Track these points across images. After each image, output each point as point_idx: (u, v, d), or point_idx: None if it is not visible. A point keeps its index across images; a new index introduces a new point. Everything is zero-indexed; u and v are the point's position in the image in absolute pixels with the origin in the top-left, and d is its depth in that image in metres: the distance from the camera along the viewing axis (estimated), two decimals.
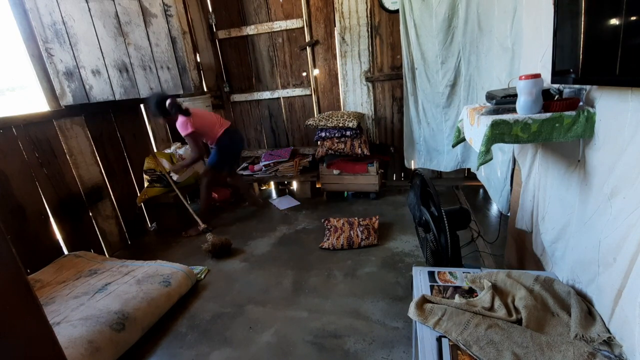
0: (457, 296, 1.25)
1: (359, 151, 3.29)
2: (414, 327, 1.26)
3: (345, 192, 3.63)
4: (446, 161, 3.40)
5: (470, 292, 1.29)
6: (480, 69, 2.70)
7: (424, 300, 1.24)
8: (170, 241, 3.06)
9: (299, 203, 3.61)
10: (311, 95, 3.79)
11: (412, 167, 3.63)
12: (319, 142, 3.44)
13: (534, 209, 1.61)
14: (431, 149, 3.45)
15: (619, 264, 0.96)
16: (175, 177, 3.13)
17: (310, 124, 3.40)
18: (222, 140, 2.98)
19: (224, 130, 2.99)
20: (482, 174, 2.89)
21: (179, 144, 3.45)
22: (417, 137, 3.47)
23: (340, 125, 3.22)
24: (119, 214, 3.10)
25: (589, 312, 1.10)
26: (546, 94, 1.22)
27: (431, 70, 3.19)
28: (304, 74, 3.77)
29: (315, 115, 3.69)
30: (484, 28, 2.54)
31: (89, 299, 1.97)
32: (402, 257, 2.42)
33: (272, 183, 4.22)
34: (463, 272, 1.40)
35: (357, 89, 3.62)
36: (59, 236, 2.57)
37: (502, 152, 2.28)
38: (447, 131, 3.31)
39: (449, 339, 1.08)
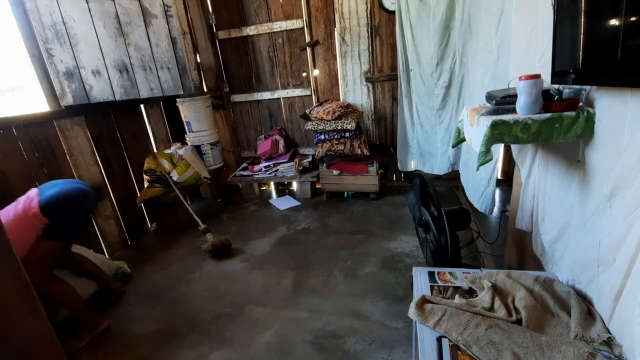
0: (457, 296, 1.25)
1: (359, 152, 3.29)
2: (414, 327, 1.26)
3: (345, 193, 3.63)
4: (440, 164, 3.40)
5: (470, 293, 1.29)
6: (469, 70, 2.70)
7: (424, 300, 1.24)
8: (170, 241, 3.06)
9: (299, 203, 3.61)
10: (311, 95, 3.79)
11: (406, 171, 3.63)
12: (318, 144, 3.45)
13: (534, 209, 1.61)
14: (424, 152, 3.44)
15: (619, 264, 0.96)
16: (175, 177, 3.13)
17: (309, 129, 3.40)
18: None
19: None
20: (462, 176, 2.86)
21: (179, 144, 3.45)
22: (410, 139, 3.46)
23: (339, 127, 3.22)
24: (119, 214, 3.10)
25: (588, 312, 1.10)
26: (546, 94, 1.22)
27: (426, 72, 3.18)
28: (304, 74, 3.77)
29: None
30: (472, 30, 2.52)
31: None
32: (402, 258, 2.42)
33: (272, 183, 4.22)
34: (463, 273, 1.40)
35: (357, 90, 3.62)
36: None
37: None
38: (440, 134, 3.30)
39: (449, 339, 1.08)
